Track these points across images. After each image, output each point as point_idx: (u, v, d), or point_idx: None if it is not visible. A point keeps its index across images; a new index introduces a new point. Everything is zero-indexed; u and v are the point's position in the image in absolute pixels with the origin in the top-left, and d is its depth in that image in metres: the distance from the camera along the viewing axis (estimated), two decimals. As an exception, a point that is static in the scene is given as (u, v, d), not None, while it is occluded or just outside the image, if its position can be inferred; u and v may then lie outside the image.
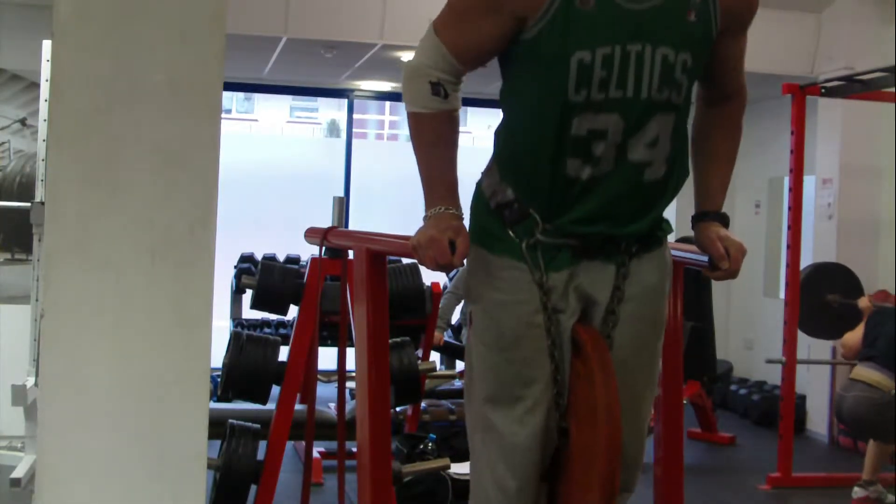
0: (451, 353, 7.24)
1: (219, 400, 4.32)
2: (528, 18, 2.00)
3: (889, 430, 5.17)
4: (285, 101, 17.03)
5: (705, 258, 2.21)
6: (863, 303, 5.78)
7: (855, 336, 5.49)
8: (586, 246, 2.11)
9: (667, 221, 2.21)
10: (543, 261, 2.09)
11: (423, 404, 5.55)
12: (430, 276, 5.02)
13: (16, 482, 4.45)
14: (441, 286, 5.90)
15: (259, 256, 7.21)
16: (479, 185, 2.19)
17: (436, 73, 2.08)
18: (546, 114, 2.04)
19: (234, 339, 3.76)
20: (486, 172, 2.19)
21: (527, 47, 2.03)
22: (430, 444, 4.94)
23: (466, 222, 2.15)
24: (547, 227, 2.10)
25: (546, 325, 2.09)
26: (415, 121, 2.14)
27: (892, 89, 5.84)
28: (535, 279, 2.09)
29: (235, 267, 7.42)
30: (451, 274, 6.87)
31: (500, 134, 2.17)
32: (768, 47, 7.06)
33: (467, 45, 2.07)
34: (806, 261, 6.37)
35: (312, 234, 3.28)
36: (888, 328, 5.26)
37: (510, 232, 2.12)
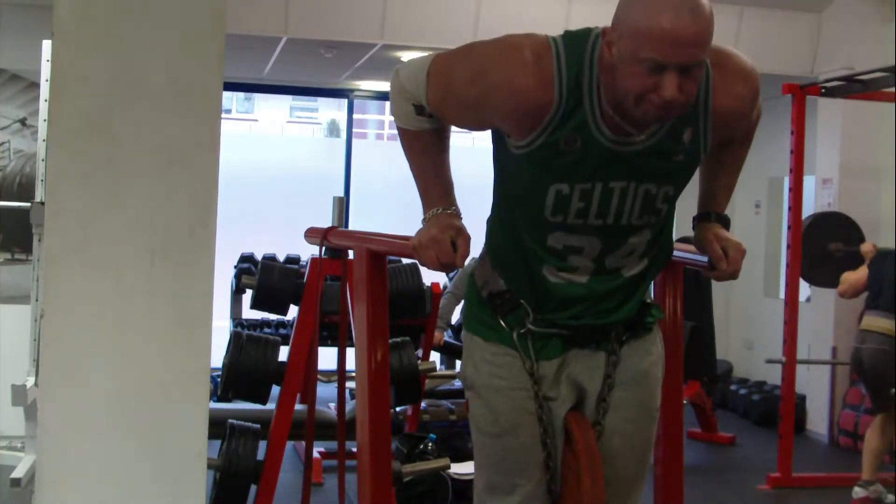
0: (451, 353, 7.23)
1: (219, 400, 4.32)
2: (513, 137, 1.97)
3: None
4: (285, 101, 17.01)
5: (705, 258, 2.20)
6: (865, 247, 5.71)
7: (856, 275, 5.43)
8: (576, 335, 2.11)
9: (657, 307, 2.21)
10: (534, 349, 2.10)
11: (423, 404, 5.55)
12: (430, 276, 5.01)
13: (16, 482, 4.45)
14: (441, 286, 5.90)
15: (259, 256, 7.21)
16: (471, 274, 2.19)
17: (419, 100, 2.06)
18: (524, 224, 2.04)
19: (234, 339, 3.76)
20: (480, 261, 2.19)
21: (511, 158, 2.00)
22: (430, 444, 4.94)
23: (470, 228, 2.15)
24: (538, 317, 2.10)
25: (538, 412, 2.10)
26: (403, 134, 2.14)
27: (892, 89, 5.83)
28: (527, 368, 2.10)
29: (235, 267, 7.42)
30: (451, 274, 6.87)
31: (489, 224, 2.17)
32: (768, 47, 7.06)
33: (446, 112, 2.05)
34: (806, 261, 6.37)
35: (312, 234, 3.28)
36: (892, 274, 5.21)
37: (502, 322, 2.12)
